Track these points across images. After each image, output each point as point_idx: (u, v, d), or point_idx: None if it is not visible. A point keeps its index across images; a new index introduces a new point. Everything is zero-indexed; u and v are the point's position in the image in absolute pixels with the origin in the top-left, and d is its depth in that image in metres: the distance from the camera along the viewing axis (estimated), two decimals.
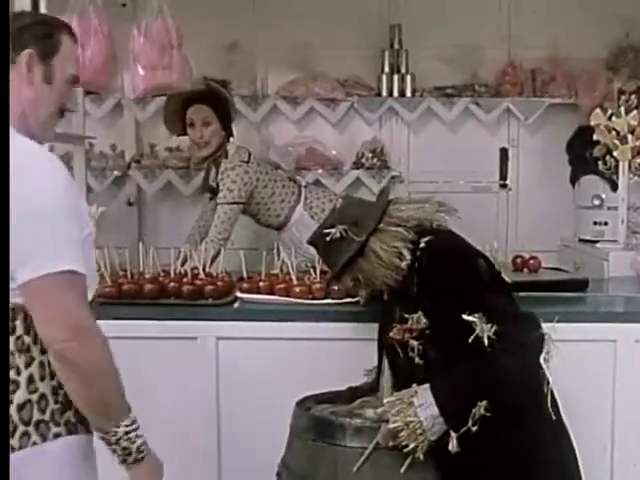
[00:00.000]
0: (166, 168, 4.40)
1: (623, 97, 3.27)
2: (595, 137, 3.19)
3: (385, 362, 1.98)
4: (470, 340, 1.70)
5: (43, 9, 2.77)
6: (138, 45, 2.91)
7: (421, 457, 1.73)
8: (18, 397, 1.47)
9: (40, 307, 1.45)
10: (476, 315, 1.71)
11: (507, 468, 1.80)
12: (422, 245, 1.83)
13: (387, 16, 4.59)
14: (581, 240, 3.63)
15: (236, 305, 2.45)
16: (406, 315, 1.82)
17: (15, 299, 1.46)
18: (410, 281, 1.83)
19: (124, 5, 3.29)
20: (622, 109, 3.12)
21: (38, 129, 1.59)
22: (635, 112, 3.10)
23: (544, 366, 1.82)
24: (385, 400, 1.80)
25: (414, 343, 1.80)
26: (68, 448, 1.53)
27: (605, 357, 2.32)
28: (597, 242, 3.41)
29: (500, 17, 4.56)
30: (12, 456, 1.44)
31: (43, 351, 1.49)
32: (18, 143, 1.48)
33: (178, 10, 2.94)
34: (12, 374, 1.48)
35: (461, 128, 4.57)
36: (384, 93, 4.56)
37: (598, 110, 3.22)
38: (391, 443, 1.75)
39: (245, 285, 2.50)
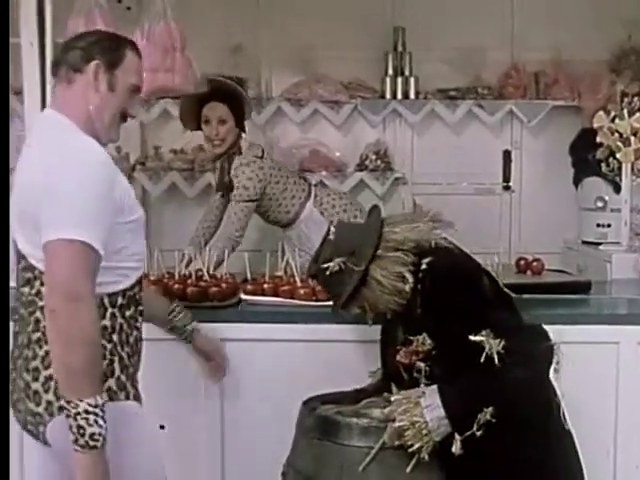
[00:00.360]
0: (170, 170, 4.42)
1: (626, 99, 3.28)
2: (598, 139, 3.20)
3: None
4: (482, 360, 1.70)
5: (49, 12, 2.78)
6: (141, 47, 2.91)
7: (426, 457, 1.73)
8: None
9: (47, 267, 1.60)
10: (483, 333, 1.71)
11: (512, 475, 1.81)
12: (424, 267, 1.81)
13: (391, 19, 4.61)
14: (584, 242, 3.64)
15: (240, 307, 2.46)
16: (410, 337, 1.81)
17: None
18: (413, 303, 1.82)
19: (129, 8, 3.30)
20: (625, 111, 3.13)
21: (103, 131, 1.78)
22: (638, 114, 3.10)
23: (554, 377, 1.82)
24: (392, 398, 1.81)
25: (421, 365, 1.80)
26: (110, 413, 1.60)
27: (608, 359, 2.32)
28: (600, 244, 3.41)
29: (503, 20, 4.57)
30: (57, 417, 1.63)
31: None
32: (73, 139, 1.70)
33: (182, 13, 2.95)
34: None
35: (464, 130, 4.59)
36: (388, 95, 4.58)
37: (601, 112, 3.23)
38: (397, 442, 1.75)
39: (249, 287, 2.51)
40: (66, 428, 1.57)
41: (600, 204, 3.55)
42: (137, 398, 1.75)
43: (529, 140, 4.63)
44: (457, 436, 1.71)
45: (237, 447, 2.38)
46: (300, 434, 1.96)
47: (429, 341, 1.78)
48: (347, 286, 1.84)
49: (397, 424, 1.74)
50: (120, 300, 1.72)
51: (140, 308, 1.80)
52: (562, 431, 1.84)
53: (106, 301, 1.70)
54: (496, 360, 1.69)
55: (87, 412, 1.55)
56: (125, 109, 1.81)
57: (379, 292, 1.83)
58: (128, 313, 1.75)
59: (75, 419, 1.55)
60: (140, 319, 1.81)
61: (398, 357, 1.83)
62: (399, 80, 4.57)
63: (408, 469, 1.78)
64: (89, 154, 1.68)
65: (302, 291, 2.43)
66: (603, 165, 3.30)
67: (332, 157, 4.49)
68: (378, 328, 2.29)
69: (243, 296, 2.49)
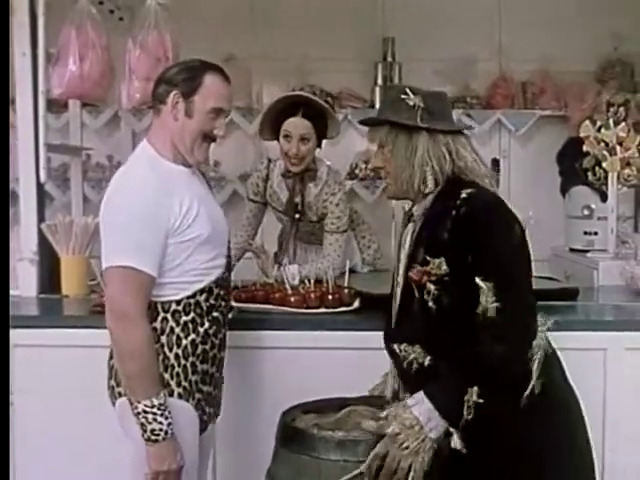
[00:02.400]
0: None
1: (612, 109, 3.33)
2: (585, 148, 3.24)
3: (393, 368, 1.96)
4: (479, 310, 1.69)
5: (41, 22, 2.80)
6: (134, 57, 2.96)
7: (425, 460, 1.69)
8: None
9: (105, 291, 1.91)
10: (488, 284, 1.70)
11: (517, 457, 1.77)
12: (463, 195, 1.79)
13: (380, 29, 4.64)
14: (572, 250, 3.67)
15: (232, 314, 2.47)
16: (429, 258, 1.79)
17: None
18: (442, 226, 1.79)
19: (121, 19, 3.33)
20: (611, 121, 3.17)
21: (186, 154, 1.96)
22: (623, 124, 3.15)
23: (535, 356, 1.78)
24: (383, 414, 1.77)
25: (431, 287, 1.78)
26: None
27: (595, 365, 2.34)
28: (587, 251, 3.45)
29: (492, 31, 4.62)
30: (119, 400, 1.92)
31: None
32: (133, 170, 1.94)
33: (174, 23, 2.98)
34: None
35: None
36: (377, 105, 4.60)
37: (587, 122, 3.27)
38: (394, 449, 1.70)
39: (241, 294, 2.53)
40: (122, 412, 1.90)
41: (587, 212, 3.58)
42: (182, 397, 1.92)
43: (517, 149, 4.67)
44: (452, 429, 1.68)
45: (227, 454, 2.39)
46: (279, 445, 1.95)
47: (445, 267, 1.76)
48: (400, 117, 1.83)
49: (389, 430, 1.72)
50: (174, 306, 1.92)
51: (210, 316, 1.97)
52: (542, 407, 1.79)
53: (159, 307, 1.92)
54: (491, 313, 1.68)
55: (145, 412, 1.82)
56: (207, 131, 1.96)
57: (409, 155, 1.82)
58: (184, 319, 1.93)
59: (138, 417, 1.83)
60: (207, 325, 1.97)
61: (410, 273, 1.81)
62: None
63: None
64: (134, 184, 1.89)
65: (293, 299, 2.45)
66: (590, 174, 3.34)
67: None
68: (369, 335, 2.32)
69: (234, 303, 2.50)
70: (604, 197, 3.36)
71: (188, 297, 1.93)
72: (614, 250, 3.23)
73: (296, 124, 2.89)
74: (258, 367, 2.39)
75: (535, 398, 1.76)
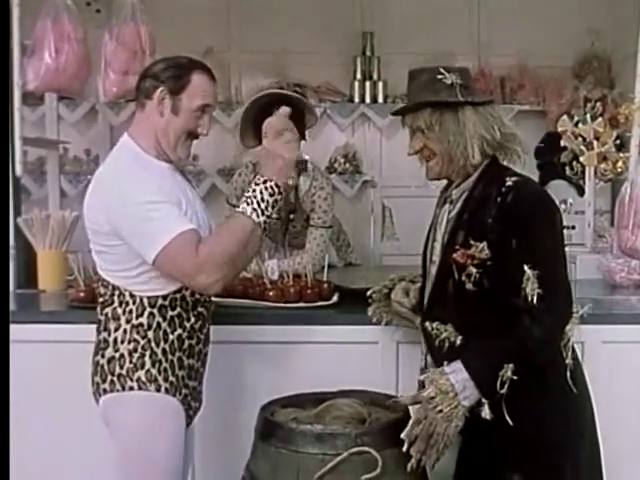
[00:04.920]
0: None
1: (589, 104, 3.34)
2: (562, 143, 3.26)
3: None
4: (521, 295, 1.75)
5: (16, 15, 2.77)
6: (110, 50, 2.94)
7: (459, 425, 1.76)
8: (108, 353, 1.92)
9: (172, 272, 1.85)
10: (534, 272, 1.76)
11: (543, 432, 1.84)
12: (509, 183, 1.84)
13: (359, 24, 4.65)
14: None
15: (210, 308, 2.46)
16: (471, 241, 1.83)
17: (115, 281, 1.92)
18: (486, 211, 1.83)
19: (98, 11, 3.30)
20: (588, 116, 3.19)
21: (169, 150, 1.95)
22: (600, 119, 3.17)
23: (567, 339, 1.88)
24: (421, 377, 1.84)
25: (472, 270, 1.82)
26: (139, 400, 1.90)
27: None
28: (565, 245, 3.47)
29: (470, 26, 4.64)
30: (103, 397, 1.92)
31: (128, 320, 1.91)
32: (121, 165, 1.90)
33: (151, 16, 2.96)
34: (105, 335, 1.94)
35: None
36: (356, 99, 4.61)
37: (565, 117, 3.29)
38: (429, 413, 1.77)
39: None
40: (107, 409, 1.91)
41: (564, 206, 3.61)
42: (169, 392, 1.92)
43: None
44: (484, 400, 1.76)
45: (206, 448, 2.39)
46: (257, 440, 1.96)
47: (487, 251, 1.80)
48: (439, 96, 1.86)
49: (425, 393, 1.78)
50: (161, 301, 1.92)
51: (195, 311, 1.97)
52: (570, 391, 1.89)
53: (145, 302, 1.91)
54: (534, 299, 1.74)
55: (256, 212, 1.84)
56: (192, 129, 1.96)
57: (455, 131, 1.86)
58: (171, 314, 1.93)
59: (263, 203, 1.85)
60: (193, 320, 1.98)
61: (455, 255, 1.83)
62: (367, 84, 4.62)
63: (363, 477, 1.80)
64: (128, 175, 1.87)
65: (271, 293, 2.45)
66: (567, 168, 3.36)
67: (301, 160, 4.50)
68: (348, 329, 2.33)
69: (213, 298, 2.49)
70: (581, 191, 3.39)
71: (174, 292, 1.93)
72: (591, 244, 3.25)
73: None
74: (237, 361, 2.39)
75: (566, 379, 1.86)
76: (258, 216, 1.84)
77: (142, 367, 1.91)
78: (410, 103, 1.94)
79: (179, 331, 1.95)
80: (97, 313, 2.00)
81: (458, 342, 1.86)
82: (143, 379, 1.90)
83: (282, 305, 2.43)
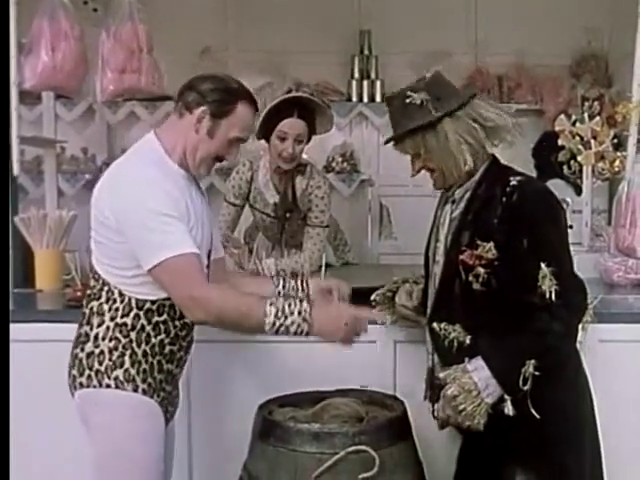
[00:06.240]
0: None
1: (586, 103, 3.34)
2: (560, 142, 3.25)
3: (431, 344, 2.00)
4: (538, 292, 1.77)
5: (13, 12, 2.76)
6: (107, 49, 2.93)
7: (481, 425, 1.78)
8: (88, 347, 1.92)
9: (165, 287, 1.84)
10: (549, 269, 1.77)
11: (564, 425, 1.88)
12: (513, 183, 1.85)
13: (357, 22, 4.65)
14: None
15: None
16: (478, 241, 1.84)
17: (107, 276, 1.90)
18: (492, 211, 1.84)
19: (95, 10, 3.29)
20: (585, 115, 3.19)
21: (192, 166, 1.95)
22: (598, 118, 3.16)
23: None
24: (441, 374, 1.85)
25: (480, 270, 1.83)
26: (116, 399, 1.89)
27: None
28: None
29: (468, 24, 4.64)
30: (79, 391, 1.92)
31: (112, 318, 1.90)
32: (141, 164, 1.88)
33: (150, 15, 2.95)
34: (87, 329, 1.93)
35: None
36: (354, 98, 4.61)
37: (562, 116, 3.29)
38: (449, 412, 1.81)
39: None
40: (83, 405, 1.92)
41: (563, 205, 3.60)
42: (146, 393, 1.91)
43: None
44: (507, 397, 1.78)
45: (202, 447, 2.39)
46: (255, 438, 1.96)
47: (494, 251, 1.82)
48: (415, 121, 1.86)
49: (448, 392, 1.80)
50: (148, 305, 1.91)
51: (182, 320, 1.95)
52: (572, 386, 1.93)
53: (133, 303, 1.90)
54: (552, 296, 1.77)
55: (276, 330, 1.79)
56: (220, 155, 1.96)
57: (442, 146, 1.85)
58: (156, 319, 1.92)
59: (281, 332, 1.80)
60: (178, 328, 1.96)
61: (462, 256, 1.85)
62: (365, 83, 4.62)
63: (361, 476, 1.81)
64: (146, 179, 1.85)
65: None
66: (565, 168, 3.35)
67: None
68: None
69: None
70: (579, 190, 3.38)
71: (164, 299, 1.91)
72: (588, 243, 3.25)
73: (293, 125, 2.86)
74: (234, 361, 2.39)
75: (577, 373, 1.94)
76: (271, 326, 1.80)
77: (121, 366, 1.90)
78: (394, 132, 1.95)
79: (162, 336, 1.94)
80: (82, 305, 1.99)
81: (467, 342, 1.87)
82: (121, 378, 1.90)
83: None
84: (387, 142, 1.97)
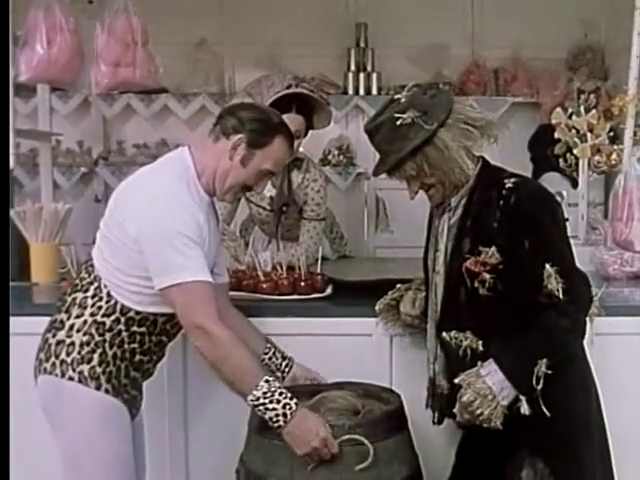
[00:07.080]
0: (134, 165, 4.39)
1: (582, 96, 3.34)
2: (556, 135, 3.25)
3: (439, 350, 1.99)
4: (545, 291, 1.78)
5: (9, 4, 2.74)
6: (102, 42, 2.92)
7: (499, 425, 1.80)
8: (60, 335, 1.92)
9: (177, 308, 1.83)
10: (554, 268, 1.78)
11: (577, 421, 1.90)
12: (509, 185, 1.85)
13: (353, 15, 4.64)
14: None
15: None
16: (480, 247, 1.84)
17: (102, 273, 1.90)
18: (490, 216, 1.84)
19: (91, 2, 3.28)
20: (582, 108, 3.18)
21: (219, 191, 1.96)
22: (594, 111, 3.16)
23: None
24: (456, 380, 1.86)
25: (486, 276, 1.83)
26: (78, 395, 1.88)
27: None
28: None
29: (464, 17, 4.64)
30: (42, 376, 1.92)
31: (92, 314, 1.90)
32: (170, 181, 1.87)
33: (145, 8, 2.94)
34: (64, 316, 1.94)
35: None
36: (350, 91, 4.61)
37: (559, 109, 3.28)
38: (466, 416, 1.83)
39: None
40: (44, 391, 1.91)
41: (558, 199, 3.60)
42: (109, 392, 1.90)
43: None
44: (522, 397, 1.79)
45: (200, 440, 2.39)
46: (252, 432, 1.96)
47: (497, 255, 1.82)
48: (412, 140, 1.83)
49: (464, 398, 1.81)
50: (132, 314, 1.91)
51: (159, 337, 1.98)
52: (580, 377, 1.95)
53: (118, 307, 1.90)
54: (560, 294, 1.78)
55: (255, 406, 1.79)
56: (249, 184, 1.98)
57: (446, 155, 1.84)
58: (134, 329, 1.92)
59: (257, 410, 1.80)
60: (153, 343, 1.97)
61: (467, 264, 1.84)
62: (362, 76, 4.61)
63: (357, 468, 1.82)
64: (173, 198, 1.84)
65: (265, 285, 2.44)
66: (561, 161, 3.35)
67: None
68: (341, 321, 2.32)
69: None
70: (575, 183, 3.38)
71: (149, 313, 1.92)
72: (584, 236, 3.25)
73: (291, 120, 2.74)
74: None
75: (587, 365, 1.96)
76: (254, 400, 1.78)
77: (88, 362, 1.90)
78: (387, 160, 1.91)
79: (135, 345, 1.95)
80: (65, 292, 1.99)
81: (480, 348, 1.87)
82: (85, 374, 1.89)
83: (275, 297, 2.42)
84: (380, 173, 1.95)
